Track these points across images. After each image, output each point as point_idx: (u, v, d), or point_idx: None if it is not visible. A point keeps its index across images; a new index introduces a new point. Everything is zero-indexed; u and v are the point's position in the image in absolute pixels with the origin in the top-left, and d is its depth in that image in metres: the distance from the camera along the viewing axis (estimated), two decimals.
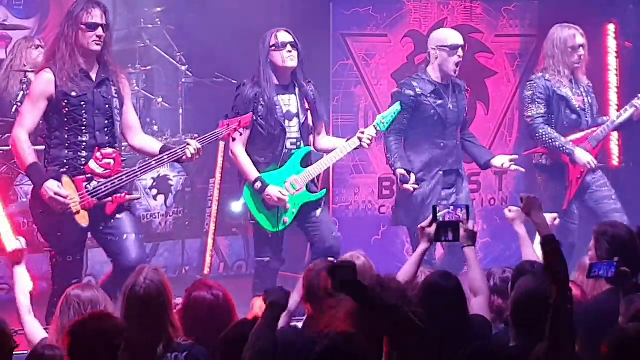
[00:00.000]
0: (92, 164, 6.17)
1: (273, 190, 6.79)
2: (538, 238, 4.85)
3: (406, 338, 3.88)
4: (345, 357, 3.91)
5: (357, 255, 5.32)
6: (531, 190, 9.10)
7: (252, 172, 6.81)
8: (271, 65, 6.84)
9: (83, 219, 6.13)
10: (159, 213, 8.79)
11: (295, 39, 6.87)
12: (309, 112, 6.95)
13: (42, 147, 6.49)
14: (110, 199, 6.18)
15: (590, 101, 7.70)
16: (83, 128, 6.19)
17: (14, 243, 5.41)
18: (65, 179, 6.10)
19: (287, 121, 6.86)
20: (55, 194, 6.02)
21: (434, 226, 5.18)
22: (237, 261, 9.11)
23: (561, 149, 7.53)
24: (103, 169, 6.18)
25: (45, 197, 6.03)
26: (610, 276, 4.71)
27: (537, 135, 7.59)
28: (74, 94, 6.15)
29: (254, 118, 6.74)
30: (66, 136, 6.18)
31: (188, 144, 6.27)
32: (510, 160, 7.46)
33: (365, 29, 8.73)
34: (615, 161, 8.82)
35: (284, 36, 6.86)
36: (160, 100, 9.26)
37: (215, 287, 4.81)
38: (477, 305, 5.04)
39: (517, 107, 9.03)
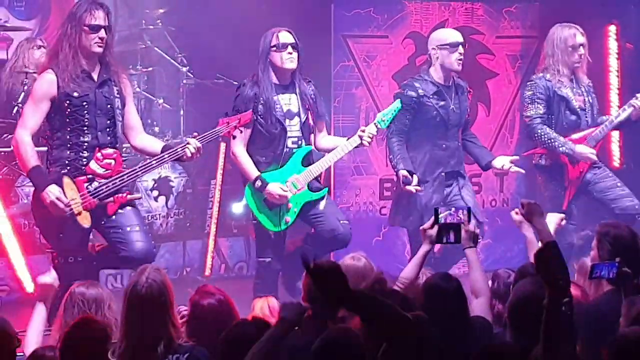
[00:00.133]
0: (93, 165, 6.17)
1: (273, 187, 6.79)
2: None
3: (406, 337, 3.86)
4: (343, 351, 3.91)
5: (358, 256, 5.33)
6: (532, 191, 9.12)
7: (252, 171, 6.81)
8: (271, 65, 6.84)
9: (85, 220, 6.13)
10: (160, 214, 8.79)
11: (296, 39, 6.86)
12: (309, 111, 6.95)
13: (44, 148, 6.49)
14: (111, 199, 6.18)
15: (590, 101, 7.70)
16: (85, 128, 6.19)
17: (47, 278, 5.32)
18: (66, 180, 6.11)
19: (287, 120, 6.87)
20: (57, 199, 6.01)
21: (436, 228, 5.19)
22: (238, 262, 9.10)
23: (560, 148, 7.53)
24: (104, 170, 6.18)
25: (45, 201, 6.03)
26: (611, 277, 4.71)
27: (536, 135, 7.59)
28: (76, 94, 6.15)
29: (254, 117, 6.74)
30: (68, 137, 6.18)
31: (188, 143, 6.27)
32: (511, 162, 7.45)
33: (366, 31, 8.73)
34: (616, 162, 8.82)
35: (285, 37, 6.86)
36: (161, 101, 9.25)
37: (217, 293, 4.81)
38: (478, 306, 5.04)
39: (518, 109, 9.03)
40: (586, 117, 7.67)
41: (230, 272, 9.03)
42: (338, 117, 8.57)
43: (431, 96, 7.30)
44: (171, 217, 8.85)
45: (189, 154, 6.26)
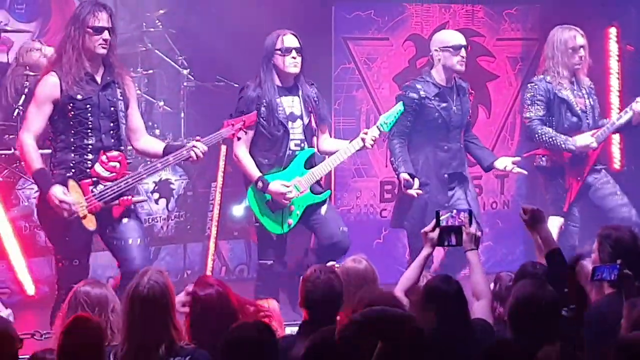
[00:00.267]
0: (98, 167, 6.16)
1: (275, 186, 6.78)
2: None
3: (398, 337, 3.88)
4: (333, 353, 3.93)
5: (358, 259, 5.32)
6: (532, 193, 9.13)
7: (255, 173, 6.81)
8: (274, 68, 6.84)
9: (90, 223, 6.12)
10: (160, 217, 8.78)
11: (301, 43, 6.85)
12: (312, 114, 6.95)
13: (49, 151, 6.48)
14: (117, 201, 6.17)
15: (592, 103, 7.70)
16: (89, 131, 6.18)
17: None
18: (71, 183, 6.10)
19: (290, 122, 6.86)
20: (61, 201, 6.00)
21: (437, 231, 5.19)
22: (238, 265, 9.10)
23: (562, 145, 7.52)
24: (109, 172, 6.18)
25: (51, 203, 6.02)
26: (612, 279, 4.71)
27: (537, 135, 7.58)
28: (79, 97, 6.15)
29: (257, 119, 6.73)
30: (72, 139, 6.18)
31: (194, 146, 6.26)
32: (513, 163, 7.45)
33: (366, 33, 8.74)
34: (616, 164, 8.82)
35: (290, 41, 6.84)
36: (161, 103, 9.25)
37: (216, 284, 4.81)
38: (480, 309, 5.04)
39: (518, 111, 9.03)
40: (587, 119, 7.66)
41: (231, 275, 9.03)
42: (338, 120, 8.57)
43: (433, 98, 7.30)
44: (172, 220, 8.84)
45: (195, 157, 6.26)
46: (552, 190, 7.70)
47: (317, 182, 6.99)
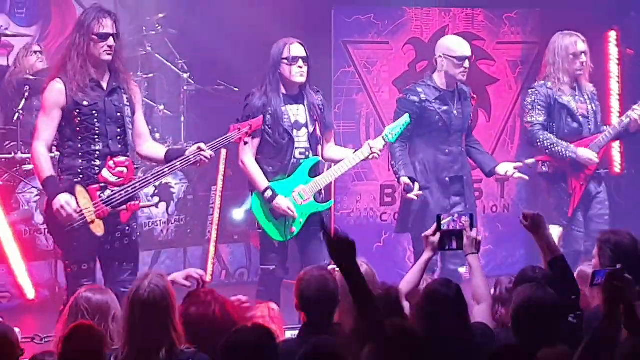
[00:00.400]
0: (106, 173, 6.16)
1: (282, 202, 6.77)
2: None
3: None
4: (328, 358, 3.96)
5: (359, 262, 5.30)
6: (533, 197, 9.13)
7: (262, 181, 6.79)
8: (280, 76, 6.83)
9: (98, 228, 6.11)
10: (160, 221, 8.79)
11: (307, 52, 6.84)
12: (317, 122, 6.94)
13: (56, 154, 6.47)
14: (124, 206, 6.17)
15: (594, 108, 7.67)
16: (96, 137, 6.17)
17: None
18: (79, 188, 6.09)
19: (295, 131, 6.85)
20: (62, 206, 5.99)
21: (438, 235, 5.19)
22: (238, 269, 9.11)
23: (563, 152, 7.52)
24: (116, 178, 6.17)
25: (54, 207, 6.02)
26: None
27: (538, 141, 7.58)
28: (85, 103, 6.14)
29: (262, 127, 6.73)
30: (79, 145, 6.17)
31: (200, 149, 6.26)
32: (515, 168, 7.44)
33: (366, 37, 8.74)
34: (617, 168, 8.82)
35: (297, 50, 6.81)
36: (162, 107, 9.26)
37: (204, 300, 4.79)
38: (480, 313, 5.04)
39: (518, 114, 9.04)
40: (589, 124, 7.65)
41: (231, 279, 9.04)
42: (338, 123, 8.56)
43: (433, 101, 7.29)
44: (172, 224, 8.85)
45: (205, 160, 6.26)
46: (556, 195, 7.69)
47: (320, 190, 6.98)
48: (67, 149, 6.20)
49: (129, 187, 6.16)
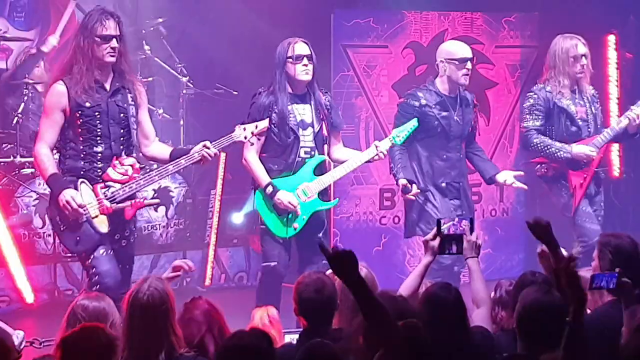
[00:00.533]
0: (111, 172, 6.16)
1: (283, 196, 6.77)
2: None
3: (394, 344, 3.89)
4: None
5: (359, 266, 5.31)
6: (532, 201, 9.14)
7: (264, 177, 6.80)
8: (286, 76, 6.84)
9: (102, 224, 6.12)
10: (159, 224, 8.78)
11: (312, 50, 6.86)
12: (324, 122, 6.95)
13: (56, 156, 6.46)
14: (128, 203, 6.18)
15: (594, 111, 7.67)
16: (98, 138, 6.18)
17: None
18: (83, 186, 6.11)
19: (301, 130, 6.86)
20: (67, 202, 6.00)
21: (438, 239, 5.19)
22: (238, 272, 9.10)
23: (558, 153, 7.52)
24: (121, 177, 6.18)
25: (60, 203, 6.04)
26: (612, 287, 4.71)
27: (532, 145, 7.59)
28: (87, 104, 6.14)
29: (268, 126, 6.74)
30: (81, 147, 6.17)
31: (206, 146, 6.26)
32: (515, 177, 7.43)
33: (365, 40, 8.75)
34: (616, 172, 8.82)
35: (301, 48, 6.83)
36: (161, 111, 9.25)
37: (195, 310, 4.78)
38: (479, 317, 5.04)
39: (517, 118, 9.03)
40: (588, 127, 7.64)
41: (230, 282, 9.03)
42: None
43: (433, 106, 7.28)
44: (171, 227, 8.84)
45: (209, 158, 6.26)
46: (558, 197, 7.68)
47: (324, 190, 6.99)
48: (69, 150, 6.20)
49: (132, 183, 6.18)
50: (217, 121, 8.74)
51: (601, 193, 7.73)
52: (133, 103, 6.27)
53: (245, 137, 6.42)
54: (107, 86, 6.22)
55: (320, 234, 6.97)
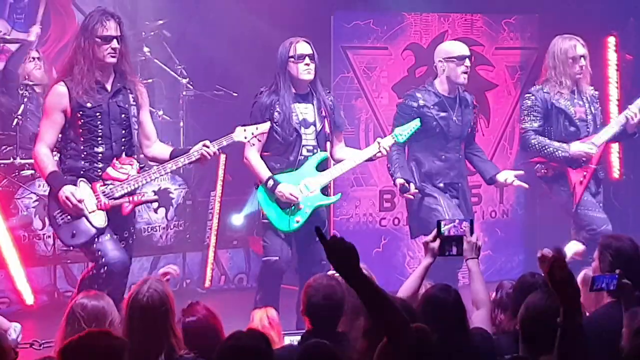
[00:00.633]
0: (111, 171, 6.18)
1: (284, 188, 6.78)
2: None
3: (402, 338, 3.85)
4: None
5: None
6: (532, 203, 9.14)
7: (265, 172, 6.81)
8: (288, 75, 6.86)
9: (99, 219, 6.13)
10: (159, 226, 8.78)
11: (314, 50, 6.87)
12: (326, 120, 6.96)
13: (57, 156, 6.47)
14: (126, 199, 6.18)
15: (593, 111, 7.67)
16: (99, 139, 6.19)
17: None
18: (82, 184, 6.13)
19: (303, 128, 6.87)
20: (67, 197, 6.02)
21: (438, 241, 5.19)
22: (238, 274, 9.10)
23: (556, 153, 7.52)
24: (121, 175, 6.20)
25: (60, 199, 6.04)
26: (612, 289, 4.71)
27: (530, 146, 7.59)
28: (89, 105, 6.15)
29: (271, 125, 6.74)
30: (82, 147, 6.19)
31: (205, 145, 6.27)
32: (515, 176, 7.43)
33: (365, 42, 8.75)
34: (615, 174, 8.82)
35: (302, 48, 6.86)
36: (160, 113, 9.25)
37: (197, 313, 4.77)
38: (479, 318, 5.03)
39: (517, 120, 9.03)
40: (587, 128, 7.64)
41: (230, 284, 9.03)
42: None
43: (432, 107, 7.29)
44: (171, 229, 8.84)
45: (208, 157, 6.27)
46: (559, 196, 7.68)
47: (326, 187, 7.00)
48: (70, 150, 6.21)
49: (131, 180, 6.19)
50: (217, 123, 8.74)
51: (600, 194, 7.73)
52: (134, 104, 6.28)
53: (245, 138, 6.43)
54: (109, 87, 6.23)
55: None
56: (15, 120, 8.36)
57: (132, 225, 6.40)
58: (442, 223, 5.24)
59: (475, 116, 7.59)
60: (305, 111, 6.90)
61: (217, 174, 8.87)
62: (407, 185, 7.17)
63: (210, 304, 4.91)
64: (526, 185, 7.58)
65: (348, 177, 8.58)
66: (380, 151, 7.02)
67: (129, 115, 6.25)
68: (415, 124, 7.14)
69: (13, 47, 9.24)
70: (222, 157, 8.58)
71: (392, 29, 8.81)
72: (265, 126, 6.56)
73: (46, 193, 6.84)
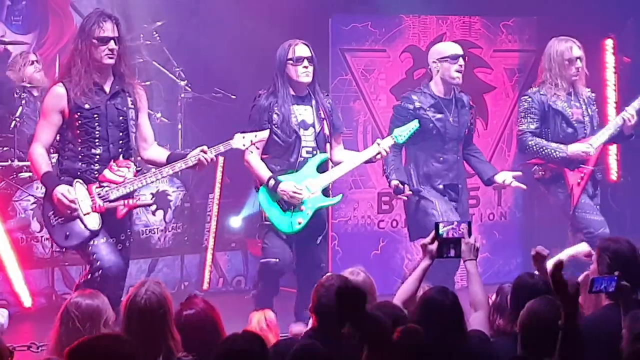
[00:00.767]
0: (107, 173, 6.18)
1: (286, 186, 6.77)
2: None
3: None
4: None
5: (356, 270, 5.31)
6: (530, 205, 9.14)
7: (265, 173, 6.80)
8: (287, 77, 6.85)
9: (93, 221, 6.12)
10: (157, 228, 8.77)
11: (312, 52, 6.87)
12: (325, 122, 6.96)
13: (54, 157, 6.47)
14: (121, 202, 6.17)
15: (590, 113, 7.68)
16: (96, 140, 6.19)
17: None
18: (77, 183, 6.13)
19: (302, 130, 6.88)
20: (63, 195, 6.02)
21: (436, 243, 5.18)
22: (236, 276, 9.09)
23: (554, 153, 7.53)
24: (117, 178, 6.19)
25: (54, 199, 6.04)
26: (611, 291, 4.71)
27: (527, 147, 7.60)
28: (87, 106, 6.15)
29: (269, 126, 6.74)
30: (79, 148, 6.19)
31: (203, 151, 6.26)
32: (513, 177, 7.44)
33: (364, 44, 8.75)
34: (613, 176, 8.82)
35: (301, 50, 6.86)
36: (159, 115, 9.25)
37: (199, 305, 4.77)
38: (476, 320, 5.03)
39: (515, 122, 9.04)
40: (585, 129, 7.66)
41: (228, 286, 9.02)
42: None
43: (428, 108, 7.30)
44: (169, 231, 8.83)
45: (205, 163, 6.26)
46: (556, 198, 7.68)
47: (326, 188, 7.00)
48: (68, 151, 6.21)
49: (127, 184, 6.18)
50: (216, 125, 8.74)
51: (598, 196, 7.73)
52: (133, 107, 6.28)
53: (244, 145, 6.42)
54: (107, 89, 6.23)
55: (321, 237, 6.97)
56: (13, 122, 8.35)
57: (129, 228, 6.39)
58: (441, 225, 5.24)
59: (472, 117, 7.59)
60: (304, 113, 6.91)
61: (215, 177, 8.87)
62: (401, 186, 7.17)
63: None
64: (524, 186, 7.58)
65: (346, 179, 8.57)
66: (380, 152, 7.02)
67: (126, 117, 6.25)
68: (414, 124, 7.15)
69: (11, 49, 9.24)
70: (221, 159, 8.58)
71: (390, 31, 8.81)
72: (264, 134, 6.56)
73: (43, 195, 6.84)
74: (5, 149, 8.45)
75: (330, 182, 7.00)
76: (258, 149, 6.72)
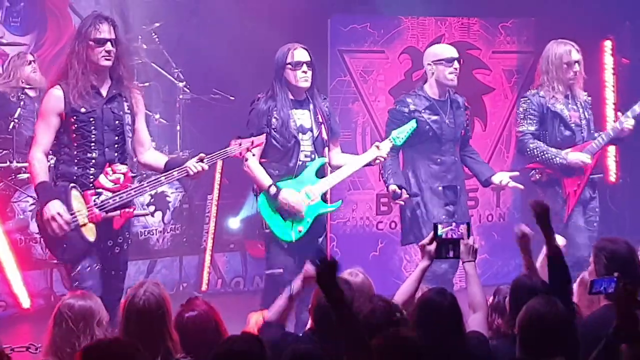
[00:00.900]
0: (102, 179, 6.15)
1: (288, 194, 6.76)
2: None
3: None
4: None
5: (355, 272, 5.31)
6: (528, 206, 9.11)
7: (266, 180, 6.78)
8: (285, 81, 6.84)
9: (90, 232, 6.09)
10: (156, 229, 8.78)
11: (311, 57, 6.85)
12: (323, 126, 6.95)
13: (52, 161, 6.46)
14: (118, 212, 6.16)
15: (587, 116, 7.69)
16: (92, 144, 6.16)
17: None
18: (74, 192, 6.08)
19: (300, 134, 6.87)
20: (57, 214, 5.97)
21: (435, 243, 5.18)
22: (234, 277, 9.10)
23: (554, 159, 7.53)
24: (112, 184, 6.16)
25: (44, 216, 6.00)
26: (610, 292, 4.71)
27: (528, 150, 7.59)
28: (83, 110, 6.13)
29: (267, 131, 6.73)
30: (75, 152, 6.16)
31: (201, 160, 6.25)
32: (510, 177, 7.44)
33: (362, 46, 8.75)
34: (612, 177, 8.83)
35: (300, 55, 6.83)
36: (157, 116, 9.25)
37: (200, 306, 4.77)
38: (475, 321, 5.03)
39: (514, 124, 9.04)
40: (582, 132, 7.66)
41: (227, 287, 9.03)
42: None
43: (423, 110, 7.29)
44: (168, 232, 8.83)
45: (191, 173, 6.24)
46: (552, 203, 7.67)
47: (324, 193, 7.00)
48: (64, 155, 6.19)
49: (123, 193, 6.15)
50: (214, 126, 8.75)
51: (596, 198, 7.73)
52: (129, 111, 6.25)
53: (240, 153, 6.41)
54: (104, 92, 6.21)
55: (321, 239, 6.97)
56: (12, 123, 8.35)
57: (127, 230, 6.37)
58: (440, 226, 5.24)
59: (468, 118, 7.59)
60: (302, 117, 6.89)
61: (214, 178, 8.87)
62: (399, 191, 7.16)
63: None
64: (521, 186, 7.57)
65: (345, 180, 8.55)
66: (378, 156, 7.00)
67: (122, 122, 6.22)
68: (412, 125, 7.14)
69: (9, 50, 9.24)
70: (219, 161, 8.56)
71: (389, 32, 8.82)
72: (260, 139, 6.54)
73: None
74: (5, 151, 8.45)
75: (328, 188, 6.99)
76: (254, 155, 6.69)
